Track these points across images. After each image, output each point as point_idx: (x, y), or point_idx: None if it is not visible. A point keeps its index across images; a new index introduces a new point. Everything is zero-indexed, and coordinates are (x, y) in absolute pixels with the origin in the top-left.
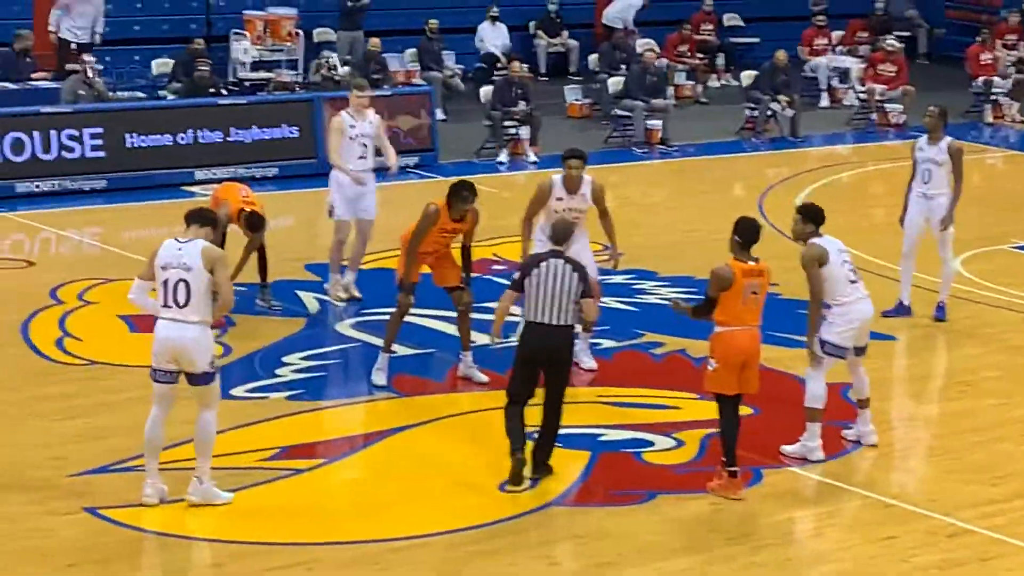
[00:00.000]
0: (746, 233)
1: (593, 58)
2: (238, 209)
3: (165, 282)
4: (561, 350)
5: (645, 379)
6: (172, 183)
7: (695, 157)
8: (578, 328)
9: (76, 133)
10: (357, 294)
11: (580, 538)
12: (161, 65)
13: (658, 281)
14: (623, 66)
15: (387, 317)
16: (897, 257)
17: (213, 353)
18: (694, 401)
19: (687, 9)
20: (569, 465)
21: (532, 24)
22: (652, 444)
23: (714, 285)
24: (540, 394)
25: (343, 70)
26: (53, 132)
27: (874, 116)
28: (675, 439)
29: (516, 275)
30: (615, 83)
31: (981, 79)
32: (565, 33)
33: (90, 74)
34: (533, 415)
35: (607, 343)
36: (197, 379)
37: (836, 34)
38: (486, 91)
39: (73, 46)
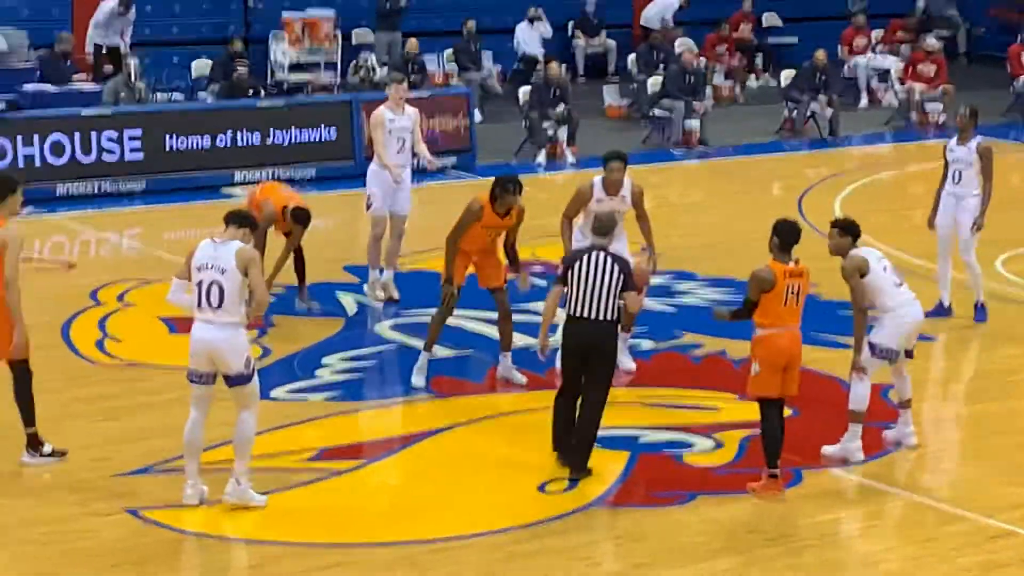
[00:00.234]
0: (786, 234)
1: (631, 59)
2: (283, 206)
3: (200, 283)
4: (603, 345)
5: (684, 380)
6: (211, 185)
7: (733, 157)
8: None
9: (116, 135)
10: (395, 295)
11: (619, 539)
12: (200, 67)
13: (698, 282)
14: (661, 66)
15: (426, 318)
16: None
17: (248, 354)
18: (733, 402)
19: (726, 9)
20: (609, 466)
21: (570, 25)
22: (692, 445)
23: (754, 287)
24: None
25: (381, 72)
26: (93, 134)
27: (913, 116)
28: (715, 440)
29: (559, 270)
30: (653, 83)
31: (1022, 78)
32: (603, 34)
33: (133, 77)
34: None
35: (646, 344)
36: (233, 380)
37: (875, 33)
38: (524, 92)
39: (104, 50)
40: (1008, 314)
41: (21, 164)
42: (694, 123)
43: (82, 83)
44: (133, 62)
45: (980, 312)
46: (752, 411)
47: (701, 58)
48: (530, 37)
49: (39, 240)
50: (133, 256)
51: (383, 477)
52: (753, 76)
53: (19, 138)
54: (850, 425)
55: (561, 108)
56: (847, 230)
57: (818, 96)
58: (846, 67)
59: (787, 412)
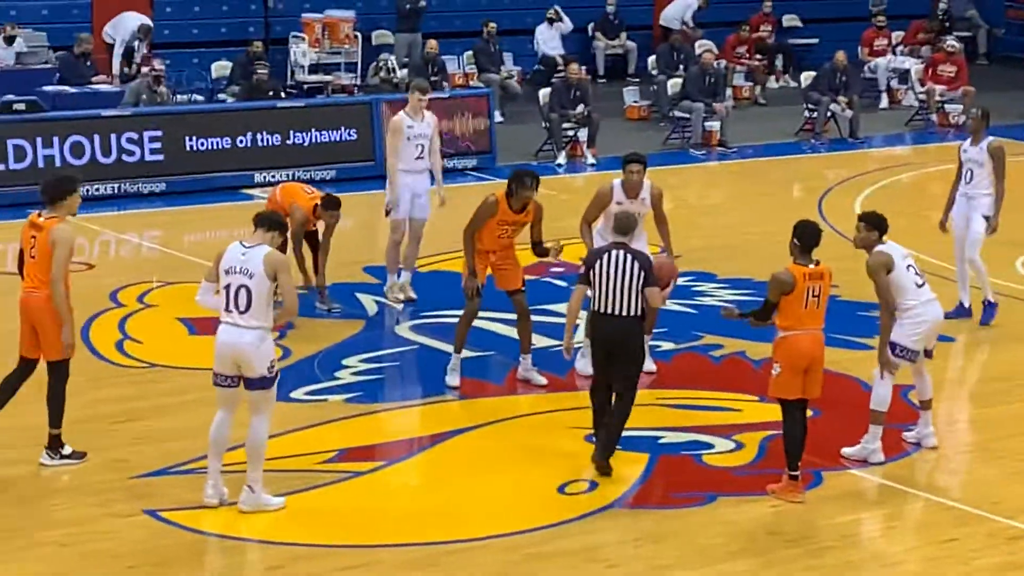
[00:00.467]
0: (806, 237)
1: (651, 60)
2: (312, 205)
3: (227, 287)
4: (627, 340)
5: (704, 381)
6: (231, 186)
7: (754, 159)
8: None
9: (136, 136)
10: (412, 295)
11: (639, 540)
12: (220, 68)
13: (717, 283)
14: (681, 68)
15: (445, 319)
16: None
17: (272, 359)
18: (754, 403)
19: (746, 10)
20: (628, 467)
21: (590, 26)
22: (712, 446)
23: (774, 290)
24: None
25: (401, 73)
26: (113, 135)
27: (934, 117)
28: (735, 441)
29: (582, 270)
30: (673, 85)
31: None
32: (623, 35)
33: (158, 79)
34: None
35: (666, 345)
36: (254, 383)
37: (896, 35)
38: (544, 93)
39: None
40: None
41: (41, 165)
42: (714, 124)
43: (102, 84)
44: (158, 65)
45: (989, 310)
46: (772, 412)
47: (721, 59)
48: (550, 38)
49: None
50: (153, 257)
51: (403, 479)
52: (773, 77)
53: (39, 139)
54: (870, 426)
55: (581, 109)
56: (874, 225)
57: (838, 97)
58: (866, 68)
59: (807, 413)
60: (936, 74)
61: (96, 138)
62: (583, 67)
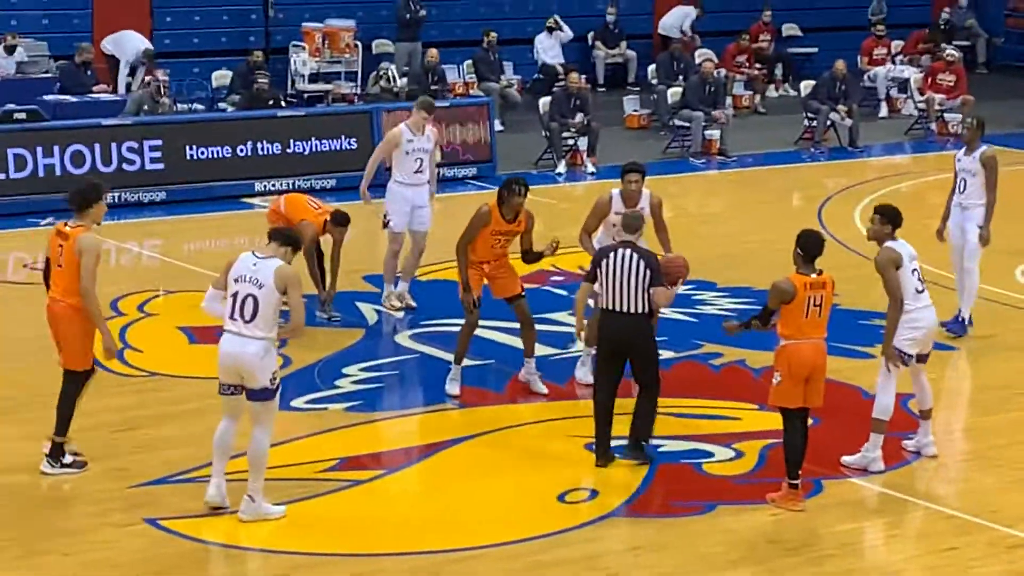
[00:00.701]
0: (810, 246)
1: (651, 69)
2: (322, 221)
3: (235, 295)
4: (635, 337)
5: (704, 390)
6: (231, 195)
7: (754, 167)
8: None
9: (136, 145)
10: (412, 303)
11: (638, 549)
12: (220, 77)
13: (717, 292)
14: (681, 76)
15: (445, 328)
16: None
17: (275, 371)
18: (753, 412)
19: (745, 19)
20: (628, 476)
21: (590, 35)
22: (712, 455)
23: (774, 298)
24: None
25: (401, 81)
26: (113, 144)
27: (933, 126)
28: (735, 450)
29: (589, 267)
30: (673, 94)
31: None
32: (623, 44)
33: (161, 89)
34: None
35: (666, 354)
36: (255, 394)
37: (895, 44)
38: (544, 102)
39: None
40: None
41: (41, 174)
42: (714, 133)
43: (102, 93)
44: (162, 77)
45: (959, 325)
46: (772, 421)
47: (721, 68)
48: (549, 47)
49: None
50: (154, 266)
51: (403, 487)
52: (773, 86)
53: (39, 149)
54: (872, 435)
55: (581, 118)
56: (889, 218)
57: (837, 106)
58: (866, 77)
59: (807, 421)
60: (935, 83)
61: (96, 147)
62: (583, 76)
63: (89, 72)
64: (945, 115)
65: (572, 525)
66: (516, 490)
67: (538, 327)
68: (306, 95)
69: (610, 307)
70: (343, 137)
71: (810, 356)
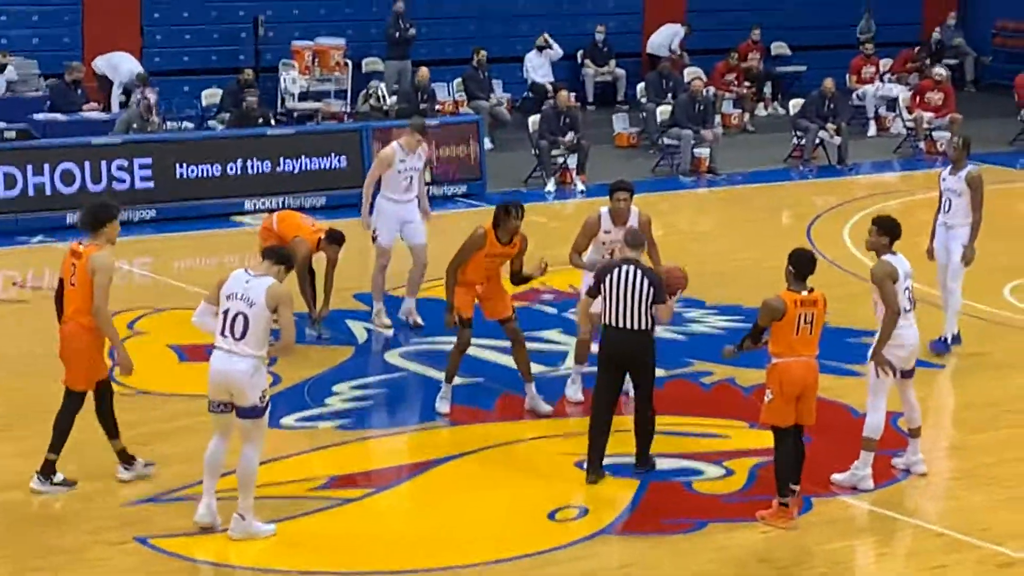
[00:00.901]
0: (801, 264)
1: (640, 87)
2: (316, 239)
3: (226, 312)
4: (638, 354)
5: (694, 408)
6: (221, 213)
7: (743, 185)
8: None
9: (126, 164)
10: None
11: (629, 567)
12: (210, 96)
13: (707, 309)
14: (670, 95)
15: (436, 346)
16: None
17: (264, 389)
18: (743, 430)
19: (734, 38)
20: (619, 494)
21: (579, 53)
22: (702, 473)
23: (764, 316)
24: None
25: (391, 100)
26: (103, 163)
27: (922, 144)
28: (725, 468)
29: (592, 281)
30: (663, 112)
31: None
32: (612, 62)
33: (151, 108)
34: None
35: (657, 372)
36: (245, 412)
37: (884, 62)
38: (534, 120)
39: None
40: (1017, 342)
41: (31, 193)
42: (703, 151)
43: (92, 112)
44: (152, 96)
45: (942, 344)
46: (761, 439)
47: (710, 87)
48: (539, 65)
49: (48, 269)
50: (144, 284)
51: (393, 505)
52: (762, 104)
53: (29, 167)
54: (862, 453)
55: (571, 136)
56: (886, 230)
57: (826, 124)
58: (854, 96)
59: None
60: (924, 102)
61: (87, 166)
62: (572, 94)
63: (79, 91)
64: (933, 133)
65: (563, 543)
66: (507, 508)
67: (528, 345)
68: (296, 113)
69: (613, 323)
70: (333, 155)
71: (801, 374)
